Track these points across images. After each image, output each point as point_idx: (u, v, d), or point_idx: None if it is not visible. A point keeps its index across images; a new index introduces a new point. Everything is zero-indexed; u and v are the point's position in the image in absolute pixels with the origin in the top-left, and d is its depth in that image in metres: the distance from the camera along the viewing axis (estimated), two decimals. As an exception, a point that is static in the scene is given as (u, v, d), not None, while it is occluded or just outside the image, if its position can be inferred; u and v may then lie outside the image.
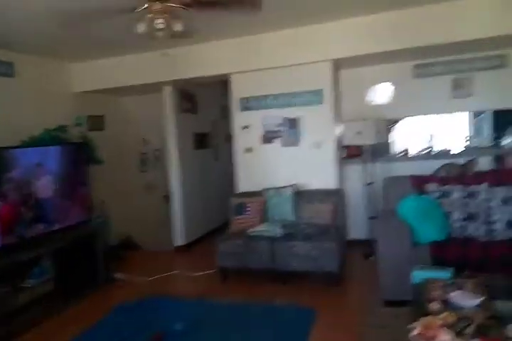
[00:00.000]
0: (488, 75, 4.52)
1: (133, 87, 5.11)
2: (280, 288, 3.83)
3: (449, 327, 1.76)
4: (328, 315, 3.17)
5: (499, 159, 4.02)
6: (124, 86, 5.01)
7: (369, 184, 4.61)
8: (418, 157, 4.70)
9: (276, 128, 4.60)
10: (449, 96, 4.66)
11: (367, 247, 4.35)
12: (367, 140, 4.37)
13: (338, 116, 4.85)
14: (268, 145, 4.65)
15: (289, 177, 4.55)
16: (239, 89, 4.70)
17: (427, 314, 1.98)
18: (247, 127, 4.68)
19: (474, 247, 2.97)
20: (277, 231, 3.94)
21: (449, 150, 4.70)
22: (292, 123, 4.54)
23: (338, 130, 4.65)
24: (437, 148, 4.86)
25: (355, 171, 4.88)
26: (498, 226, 3.11)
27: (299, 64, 4.37)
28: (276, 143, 4.63)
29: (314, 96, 4.43)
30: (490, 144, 4.59)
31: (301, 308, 3.35)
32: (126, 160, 6.07)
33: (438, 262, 2.98)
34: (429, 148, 4.82)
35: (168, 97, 5.22)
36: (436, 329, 1.67)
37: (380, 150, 4.88)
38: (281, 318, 3.22)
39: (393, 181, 3.80)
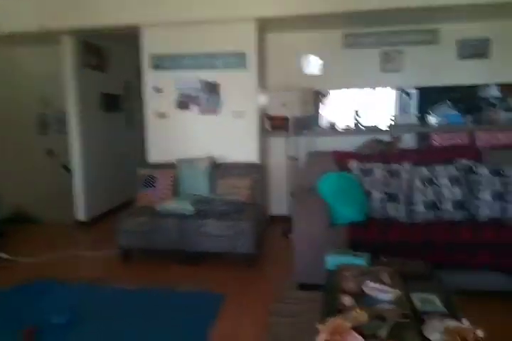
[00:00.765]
0: (418, 50, 4.37)
1: (26, 35, 4.25)
2: (190, 270, 3.45)
3: (360, 328, 1.48)
4: (238, 301, 2.86)
5: (424, 137, 3.91)
6: (13, 32, 4.14)
7: (292, 158, 4.32)
8: (345, 132, 4.48)
9: (193, 93, 4.10)
10: (378, 70, 4.45)
11: (287, 224, 4.10)
12: (292, 111, 4.03)
13: (264, 85, 4.45)
14: (184, 112, 4.15)
15: (206, 149, 4.11)
16: (150, 44, 4.09)
17: (338, 310, 1.71)
18: (160, 90, 4.12)
19: (394, 229, 2.78)
20: (188, 207, 3.51)
21: (376, 126, 4.53)
22: (212, 89, 4.06)
23: (263, 99, 4.27)
24: (365, 123, 4.69)
25: (280, 144, 4.56)
26: (419, 207, 2.96)
27: (220, 21, 3.86)
28: (194, 110, 4.13)
29: (237, 60, 3.97)
30: (415, 122, 4.48)
31: (210, 294, 3.00)
32: (21, 120, 5.21)
33: (356, 244, 2.76)
34: (356, 123, 4.61)
35: (68, 49, 4.42)
36: (345, 333, 1.38)
37: (307, 124, 4.60)
38: (184, 306, 2.84)
39: (316, 156, 3.52)
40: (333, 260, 2.34)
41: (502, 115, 4.21)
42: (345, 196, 2.94)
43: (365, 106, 4.93)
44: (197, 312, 2.75)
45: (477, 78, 4.33)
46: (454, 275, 2.70)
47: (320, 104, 5.61)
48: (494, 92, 4.44)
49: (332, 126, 4.56)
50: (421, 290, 2.00)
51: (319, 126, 4.62)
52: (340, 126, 4.65)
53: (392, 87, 4.59)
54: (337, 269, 2.20)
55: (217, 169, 3.94)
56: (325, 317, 1.61)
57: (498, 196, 2.87)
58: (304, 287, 2.88)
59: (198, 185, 3.86)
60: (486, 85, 4.40)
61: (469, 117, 4.35)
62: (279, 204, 4.59)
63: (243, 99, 4.03)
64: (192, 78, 4.05)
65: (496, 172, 2.93)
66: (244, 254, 3.42)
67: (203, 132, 4.14)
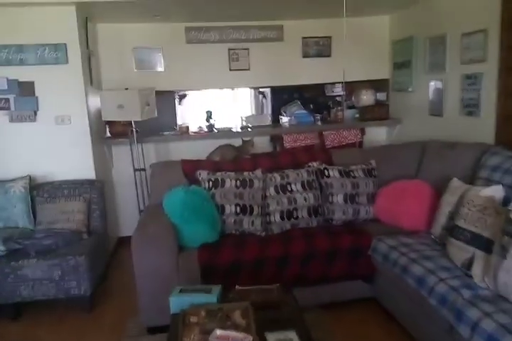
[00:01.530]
0: (264, 47, 4.18)
1: None
2: (9, 325, 2.66)
3: None
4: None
5: (276, 139, 3.73)
6: None
7: (138, 170, 3.74)
8: (198, 136, 4.06)
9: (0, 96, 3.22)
10: (226, 69, 4.15)
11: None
12: (131, 115, 3.45)
13: (97, 84, 3.78)
14: (-12, 120, 3.24)
15: (22, 166, 3.27)
16: None
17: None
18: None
19: (250, 246, 2.46)
20: (-5, 246, 2.69)
21: (231, 129, 4.22)
22: (24, 89, 3.24)
23: (94, 101, 3.59)
24: (218, 125, 4.36)
25: (125, 154, 3.92)
26: (275, 217, 2.70)
27: (33, 4, 3.07)
28: (2, 117, 3.25)
29: (55, 53, 3.22)
30: (269, 123, 4.30)
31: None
32: None
33: (208, 271, 2.37)
34: (210, 125, 4.23)
35: None
36: None
37: (153, 128, 4.07)
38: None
39: (162, 167, 3.03)
40: (177, 301, 1.89)
41: (347, 113, 4.29)
42: (194, 213, 2.51)
43: (219, 108, 4.62)
44: None
45: (322, 77, 4.34)
46: (316, 289, 2.51)
47: (171, 105, 5.15)
48: (339, 91, 4.52)
49: (184, 130, 4.11)
50: (278, 327, 1.70)
51: (170, 130, 4.12)
52: (193, 129, 4.23)
53: (241, 87, 4.35)
54: (181, 314, 1.76)
55: (40, 191, 3.16)
56: None
57: (350, 198, 2.77)
58: (153, 330, 2.38)
59: (13, 214, 3.02)
60: (332, 84, 4.45)
61: (318, 116, 4.34)
62: (130, 224, 3.95)
63: (67, 100, 3.30)
64: (-5, 77, 3.18)
65: (346, 174, 2.83)
66: (80, 298, 2.75)
67: (18, 144, 3.28)
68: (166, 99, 4.92)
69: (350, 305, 2.57)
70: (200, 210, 2.54)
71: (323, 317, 2.18)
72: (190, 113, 5.34)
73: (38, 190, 3.16)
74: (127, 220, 3.95)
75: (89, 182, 3.27)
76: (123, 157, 3.92)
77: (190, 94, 4.55)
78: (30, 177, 3.16)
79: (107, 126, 3.94)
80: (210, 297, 1.89)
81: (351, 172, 2.84)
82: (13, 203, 3.03)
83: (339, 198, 2.76)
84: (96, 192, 3.22)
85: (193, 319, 1.74)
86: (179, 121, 5.29)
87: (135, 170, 3.73)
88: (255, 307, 1.78)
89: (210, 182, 2.72)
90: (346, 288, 2.54)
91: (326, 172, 2.83)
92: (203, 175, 2.77)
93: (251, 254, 2.42)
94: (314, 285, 2.49)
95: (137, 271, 2.34)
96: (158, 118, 3.94)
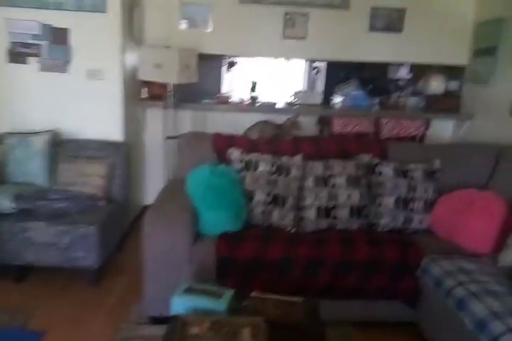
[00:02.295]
0: (326, 15, 3.67)
1: None
2: (9, 289, 2.51)
3: None
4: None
5: (325, 122, 3.30)
6: None
7: (171, 137, 3.44)
8: (237, 107, 3.69)
9: (31, 41, 2.96)
10: (279, 35, 3.68)
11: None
12: (168, 76, 3.12)
13: (139, 38, 3.44)
14: (18, 67, 3.00)
15: (48, 120, 3.05)
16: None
17: None
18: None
19: (276, 243, 2.12)
20: (5, 203, 2.51)
21: (275, 104, 3.80)
22: (58, 36, 2.96)
23: (131, 58, 3.28)
24: (263, 99, 3.96)
25: (160, 118, 3.63)
26: (310, 214, 2.33)
27: None
28: (32, 65, 3.01)
29: (93, -1, 2.90)
30: (319, 102, 3.83)
31: (23, 333, 2.12)
32: None
33: (226, 266, 2.07)
34: (253, 97, 3.84)
35: None
36: None
37: (196, 94, 3.72)
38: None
39: (191, 139, 2.71)
40: (180, 302, 1.60)
41: (410, 100, 3.76)
42: (218, 197, 2.19)
43: (266, 79, 4.20)
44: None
45: (388, 55, 3.80)
46: (347, 303, 2.16)
47: (222, 72, 4.79)
48: (404, 73, 3.97)
49: (224, 100, 3.74)
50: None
51: (211, 98, 3.77)
52: (236, 100, 3.86)
53: (294, 57, 3.88)
54: (179, 321, 1.46)
55: (62, 148, 2.93)
56: None
57: (404, 203, 2.35)
58: (157, 321, 2.13)
59: (31, 170, 2.82)
60: (398, 64, 3.89)
61: (376, 100, 3.84)
62: (157, 193, 3.72)
63: (102, 54, 3.01)
64: (28, 20, 2.90)
65: (402, 173, 2.40)
66: (86, 269, 2.55)
67: (46, 96, 3.05)
68: (214, 65, 4.54)
69: (384, 327, 2.20)
70: (226, 195, 2.21)
71: (352, 335, 1.84)
72: (237, 82, 4.95)
73: (61, 147, 2.93)
74: (154, 188, 3.64)
75: (116, 144, 3.01)
76: (157, 121, 3.63)
77: (240, 62, 4.15)
78: (54, 132, 2.94)
79: (144, 86, 3.63)
80: (220, 303, 1.58)
81: (409, 172, 2.41)
82: (33, 158, 2.82)
83: (390, 201, 2.34)
84: (121, 156, 2.96)
85: (194, 330, 1.45)
86: (224, 90, 4.92)
87: (167, 137, 3.44)
88: (270, 324, 1.46)
89: (242, 164, 2.38)
90: (383, 307, 2.17)
91: (379, 169, 2.41)
92: (235, 154, 2.43)
93: (277, 252, 2.09)
94: (346, 299, 2.14)
95: (146, 254, 2.07)
96: (203, 84, 3.60)
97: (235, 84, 4.93)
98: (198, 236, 2.15)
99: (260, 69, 4.21)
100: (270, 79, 4.21)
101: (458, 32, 3.75)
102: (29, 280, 2.59)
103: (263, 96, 4.01)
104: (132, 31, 3.25)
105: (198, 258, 2.06)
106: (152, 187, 3.76)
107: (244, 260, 2.06)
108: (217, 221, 2.16)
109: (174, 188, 2.41)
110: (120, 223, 2.88)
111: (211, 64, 4.62)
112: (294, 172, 2.34)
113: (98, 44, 2.99)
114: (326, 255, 2.09)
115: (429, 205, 2.39)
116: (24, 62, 3.00)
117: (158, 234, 2.05)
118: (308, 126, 3.46)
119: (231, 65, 5.93)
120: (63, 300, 2.43)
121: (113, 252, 2.84)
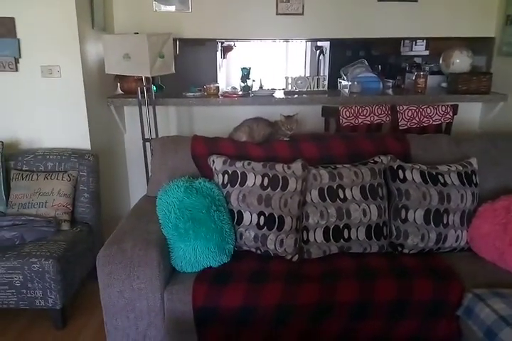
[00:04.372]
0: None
1: None
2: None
3: None
4: None
5: (331, 113, 2.76)
6: None
7: (148, 140, 2.94)
8: (226, 101, 3.15)
9: (-31, 34, 2.46)
10: (272, 12, 3.11)
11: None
12: (139, 68, 2.60)
13: (100, 26, 2.91)
14: (-43, 66, 2.51)
15: (1, 128, 2.58)
16: None
17: None
18: None
19: (273, 282, 1.63)
20: None
21: (272, 94, 3.26)
22: (2, 28, 2.45)
23: (96, 49, 2.76)
24: (260, 88, 3.44)
25: (138, 118, 3.13)
26: (315, 236, 1.83)
27: None
28: (-25, 63, 2.52)
29: (40, -21, 2.38)
30: (324, 88, 3.26)
31: None
32: None
33: (207, 317, 1.59)
34: (246, 87, 3.31)
35: None
36: None
37: (186, 86, 3.21)
38: None
39: (165, 145, 2.19)
40: None
41: (430, 81, 3.18)
42: (194, 224, 1.70)
43: (264, 65, 3.66)
44: None
45: (401, 29, 3.20)
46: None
47: (216, 58, 4.29)
48: (421, 49, 3.39)
49: (212, 92, 3.21)
50: None
51: (198, 91, 3.24)
52: (228, 90, 3.34)
53: (291, 38, 3.32)
54: None
55: (17, 161, 2.46)
56: None
57: (435, 217, 1.83)
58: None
59: (-21, 190, 2.37)
60: (413, 39, 3.31)
61: (389, 83, 3.28)
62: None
63: (57, 46, 2.50)
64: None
65: (431, 179, 1.87)
66: (49, 310, 2.10)
67: (-4, 100, 2.57)
68: (207, 51, 4.02)
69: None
70: (205, 219, 1.71)
71: None
72: (231, 70, 4.44)
73: (15, 160, 2.47)
74: (137, 197, 3.24)
75: (81, 154, 2.51)
76: (135, 121, 3.13)
77: (238, 47, 3.61)
78: (5, 143, 2.46)
79: (117, 80, 3.13)
80: None
81: (440, 176, 1.88)
82: (-21, 176, 2.36)
83: (417, 215, 1.82)
84: (86, 168, 2.47)
85: None
86: (221, 79, 4.40)
87: (144, 140, 2.94)
88: None
89: (226, 177, 1.87)
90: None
91: (401, 174, 1.88)
92: (217, 163, 1.92)
93: (273, 296, 1.58)
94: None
95: (105, 306, 1.61)
96: (196, 73, 3.10)
97: (229, 72, 4.42)
98: (171, 276, 1.67)
99: (256, 54, 3.69)
100: (267, 65, 3.69)
101: (482, -3, 3.15)
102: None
103: (259, 86, 3.49)
104: (94, 17, 2.72)
105: (172, 306, 1.59)
106: (135, 193, 3.31)
107: (229, 310, 1.57)
108: (194, 255, 1.67)
109: (144, 210, 1.93)
110: (89, 250, 2.40)
111: (204, 50, 4.09)
112: (293, 184, 1.82)
113: (52, 35, 2.47)
114: (337, 296, 1.59)
115: (468, 218, 1.87)
116: (-36, 61, 2.51)
117: (116, 278, 1.57)
118: (313, 119, 2.92)
119: (227, 50, 5.39)
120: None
121: (81, 286, 2.36)
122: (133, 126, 3.21)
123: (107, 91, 3.03)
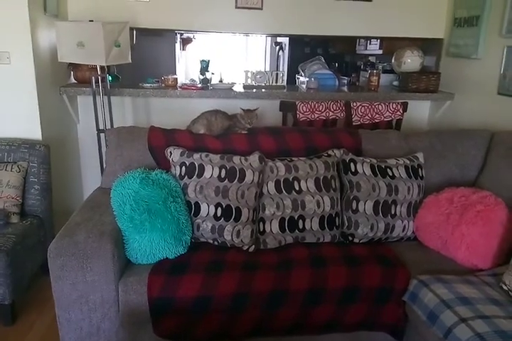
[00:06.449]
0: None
1: None
2: None
3: None
4: None
5: (288, 107, 2.81)
6: None
7: (103, 131, 2.87)
8: (183, 92, 3.11)
9: None
10: (231, 5, 3.12)
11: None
12: (93, 57, 2.53)
13: (53, 12, 2.79)
14: None
15: None
16: None
17: None
18: None
19: (228, 272, 1.66)
20: None
21: (231, 87, 3.27)
22: None
23: (48, 36, 2.65)
24: (220, 81, 3.44)
25: (92, 108, 3.03)
26: (271, 227, 1.88)
27: None
28: None
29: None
30: (283, 83, 3.31)
31: None
32: None
33: (162, 308, 1.59)
34: (205, 80, 3.29)
35: None
36: None
37: (130, 78, 3.17)
38: None
39: (120, 135, 2.15)
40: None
41: (383, 79, 3.32)
42: (150, 215, 1.69)
43: (224, 59, 3.64)
44: None
45: (357, 28, 3.31)
46: (320, 338, 1.75)
47: (175, 50, 4.23)
48: (375, 48, 3.52)
49: (170, 83, 3.17)
50: None
51: (155, 82, 3.20)
52: (187, 83, 3.30)
53: (250, 32, 3.34)
54: None
55: (-40, 152, 2.33)
56: None
57: (384, 208, 1.93)
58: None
59: None
60: (366, 38, 3.43)
61: (344, 80, 3.38)
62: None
63: (6, 32, 2.38)
64: None
65: (381, 171, 1.97)
66: (-4, 306, 2.02)
67: None
68: (166, 42, 3.97)
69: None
70: (161, 211, 1.71)
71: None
72: (193, 61, 4.38)
73: (-41, 152, 2.34)
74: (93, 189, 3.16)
75: (32, 144, 2.41)
76: (89, 111, 3.04)
77: (197, 39, 3.58)
78: None
79: (71, 69, 3.03)
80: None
81: (388, 170, 1.98)
82: None
83: (367, 206, 1.91)
84: (37, 159, 2.38)
85: None
86: (180, 71, 4.37)
87: (99, 130, 2.87)
88: None
89: (184, 168, 1.88)
90: (364, 340, 1.77)
91: (353, 167, 1.96)
92: (174, 155, 1.92)
93: (228, 285, 1.61)
94: (319, 334, 1.72)
95: (57, 299, 1.57)
96: (155, 64, 3.04)
97: (188, 64, 4.39)
98: (125, 268, 1.66)
99: (216, 47, 3.67)
100: (227, 58, 3.68)
101: (433, 0, 3.31)
102: None
103: (218, 79, 3.49)
104: (47, 2, 2.61)
105: (126, 298, 1.58)
106: (91, 191, 3.22)
107: (185, 300, 1.58)
108: (150, 247, 1.66)
109: (98, 202, 1.89)
110: (40, 243, 2.32)
111: (163, 41, 4.03)
112: (250, 176, 1.85)
113: (0, 19, 2.35)
114: (291, 284, 1.64)
115: (414, 209, 1.98)
116: None
117: (68, 271, 1.54)
118: (271, 113, 2.97)
119: (187, 42, 5.31)
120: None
121: (32, 281, 2.29)
122: (86, 117, 3.12)
123: (60, 80, 2.92)
